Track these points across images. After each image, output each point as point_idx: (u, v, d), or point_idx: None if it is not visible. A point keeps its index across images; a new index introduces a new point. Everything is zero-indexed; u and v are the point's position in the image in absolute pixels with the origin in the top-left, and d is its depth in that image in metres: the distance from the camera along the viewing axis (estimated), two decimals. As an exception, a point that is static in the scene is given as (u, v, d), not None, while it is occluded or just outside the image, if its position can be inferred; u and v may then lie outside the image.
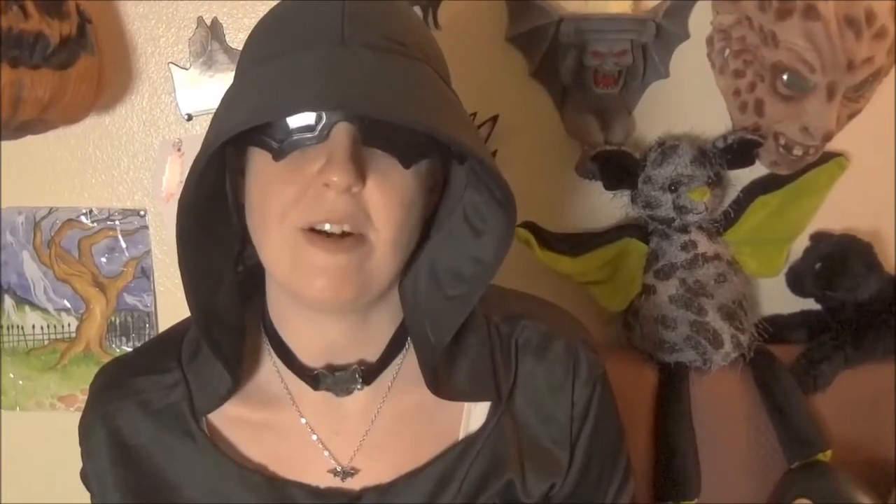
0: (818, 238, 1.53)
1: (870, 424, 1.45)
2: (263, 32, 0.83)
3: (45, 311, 1.51)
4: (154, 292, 1.50)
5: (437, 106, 0.77)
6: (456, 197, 0.88)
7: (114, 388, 0.92)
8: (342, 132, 0.76)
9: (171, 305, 1.50)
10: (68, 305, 1.50)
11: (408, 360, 0.90)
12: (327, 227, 0.78)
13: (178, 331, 0.95)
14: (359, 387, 0.88)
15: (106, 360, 1.48)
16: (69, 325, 1.51)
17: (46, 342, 1.51)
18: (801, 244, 1.54)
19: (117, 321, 1.51)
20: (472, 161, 0.83)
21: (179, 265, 0.80)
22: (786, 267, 1.55)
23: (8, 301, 1.50)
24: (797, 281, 1.54)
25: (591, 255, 1.47)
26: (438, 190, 0.88)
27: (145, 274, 1.49)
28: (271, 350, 0.90)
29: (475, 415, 0.91)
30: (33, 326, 1.51)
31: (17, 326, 1.51)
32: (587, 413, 0.94)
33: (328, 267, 0.78)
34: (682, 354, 1.42)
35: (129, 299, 1.50)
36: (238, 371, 0.88)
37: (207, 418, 0.90)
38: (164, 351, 0.93)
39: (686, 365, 1.42)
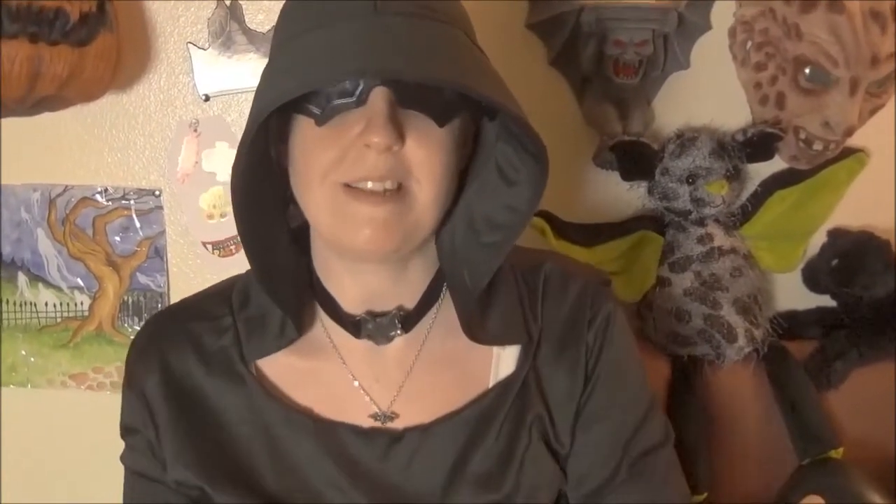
0: (835, 234, 1.52)
1: (883, 422, 1.44)
2: (298, 7, 0.87)
3: (58, 288, 1.51)
4: (167, 272, 1.50)
5: (467, 66, 0.81)
6: (488, 150, 0.93)
7: (169, 330, 0.98)
8: (379, 96, 0.81)
9: (184, 286, 1.49)
10: (81, 284, 1.50)
11: (442, 311, 0.96)
12: (369, 185, 0.83)
13: (227, 284, 1.01)
14: (398, 332, 0.93)
15: (118, 339, 1.50)
16: (82, 303, 1.51)
17: (59, 320, 1.52)
18: (818, 240, 1.53)
19: (130, 301, 1.51)
20: (502, 115, 0.88)
21: (238, 229, 0.86)
22: (802, 262, 1.54)
23: (21, 278, 1.50)
24: (813, 277, 1.53)
25: (606, 245, 1.47)
26: (471, 144, 0.93)
27: (159, 254, 1.49)
28: (316, 303, 0.95)
29: (504, 363, 0.96)
30: (46, 304, 1.51)
31: (30, 303, 1.51)
32: (603, 348, 0.98)
33: (373, 218, 0.83)
34: (696, 348, 1.41)
35: (143, 279, 1.50)
36: (300, 320, 0.93)
37: (256, 364, 0.95)
38: (215, 300, 0.99)
39: (699, 358, 1.42)
